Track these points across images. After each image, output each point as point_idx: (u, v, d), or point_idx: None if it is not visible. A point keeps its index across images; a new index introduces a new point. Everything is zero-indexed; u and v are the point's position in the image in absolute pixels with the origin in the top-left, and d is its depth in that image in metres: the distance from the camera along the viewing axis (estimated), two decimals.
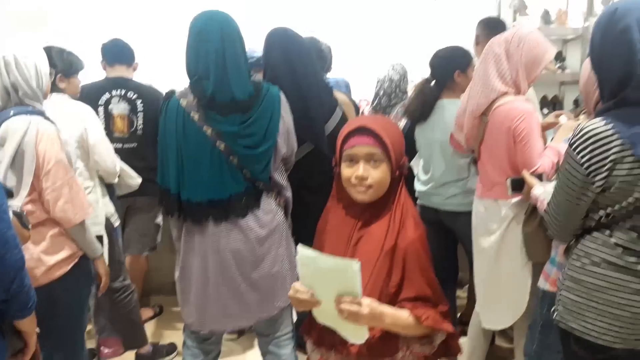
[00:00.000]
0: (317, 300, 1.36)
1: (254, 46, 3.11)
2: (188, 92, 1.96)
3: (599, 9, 4.52)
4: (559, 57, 4.60)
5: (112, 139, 2.99)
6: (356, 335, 1.37)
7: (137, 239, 3.28)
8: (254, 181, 2.02)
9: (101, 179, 2.72)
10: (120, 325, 2.97)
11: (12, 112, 1.92)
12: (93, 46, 3.33)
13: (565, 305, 1.60)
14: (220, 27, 1.94)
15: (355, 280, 1.25)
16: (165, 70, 3.84)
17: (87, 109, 2.64)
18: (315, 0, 4.72)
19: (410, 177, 2.90)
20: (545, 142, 2.43)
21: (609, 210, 1.51)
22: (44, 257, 1.95)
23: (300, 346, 2.27)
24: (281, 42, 2.44)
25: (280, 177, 2.13)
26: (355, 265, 1.23)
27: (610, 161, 1.43)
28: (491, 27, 3.15)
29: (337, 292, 1.29)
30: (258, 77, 2.08)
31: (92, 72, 3.16)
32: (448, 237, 2.88)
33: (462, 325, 3.14)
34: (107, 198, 2.76)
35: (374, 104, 3.35)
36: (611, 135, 1.43)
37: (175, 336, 3.30)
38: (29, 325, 1.61)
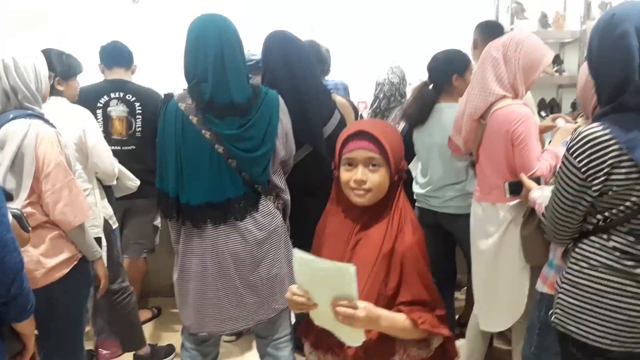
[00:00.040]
0: (313, 303, 1.36)
1: (253, 49, 3.12)
2: (186, 95, 1.97)
3: (596, 12, 4.55)
4: (557, 60, 4.62)
5: (111, 142, 2.99)
6: (353, 338, 1.38)
7: (135, 241, 3.29)
8: (253, 184, 2.02)
9: (99, 181, 2.72)
10: (119, 327, 2.97)
11: (11, 116, 1.92)
12: (93, 46, 3.33)
13: (563, 308, 1.61)
14: (218, 31, 1.95)
15: (351, 283, 1.26)
16: (164, 71, 3.84)
17: (85, 111, 2.64)
18: (313, 2, 4.72)
19: (408, 180, 2.91)
20: (543, 145, 2.44)
21: (606, 214, 1.51)
22: (43, 260, 1.96)
23: (298, 348, 2.27)
24: (280, 45, 2.45)
25: (279, 180, 2.14)
26: (350, 268, 1.23)
27: (608, 165, 1.44)
28: (489, 31, 3.16)
29: (334, 295, 1.30)
30: (257, 80, 2.08)
31: (92, 72, 3.16)
32: (446, 239, 2.89)
33: (460, 327, 3.16)
34: (106, 200, 2.76)
35: (374, 107, 3.36)
36: (609, 140, 1.43)
37: (173, 338, 3.30)
38: (28, 328, 1.61)
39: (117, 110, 3.10)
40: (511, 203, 2.27)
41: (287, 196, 2.18)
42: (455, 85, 2.73)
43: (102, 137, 2.68)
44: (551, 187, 1.70)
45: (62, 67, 2.63)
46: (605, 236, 1.53)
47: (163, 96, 2.11)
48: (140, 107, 3.12)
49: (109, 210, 2.77)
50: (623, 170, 1.43)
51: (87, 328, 2.72)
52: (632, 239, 1.48)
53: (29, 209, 1.91)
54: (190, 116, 1.93)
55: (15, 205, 1.82)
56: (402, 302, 1.42)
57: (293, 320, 2.36)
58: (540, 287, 2.05)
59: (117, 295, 2.83)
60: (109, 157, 2.67)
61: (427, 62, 2.86)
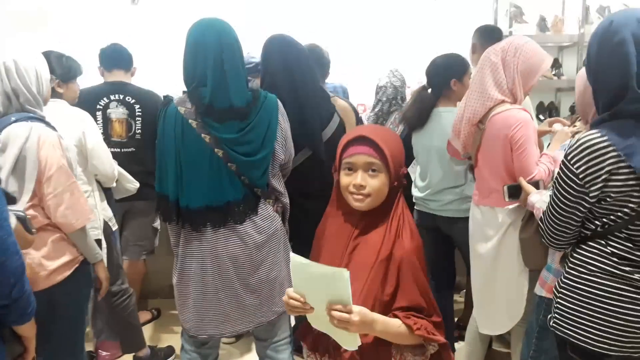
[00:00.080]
0: (310, 307, 1.37)
1: (253, 51, 3.14)
2: (186, 99, 1.98)
3: (594, 16, 4.57)
4: (555, 64, 4.63)
5: (110, 144, 3.01)
6: (348, 342, 1.39)
7: (134, 243, 3.29)
8: (252, 187, 2.03)
9: (99, 183, 2.73)
10: (118, 329, 2.97)
11: (13, 119, 1.92)
12: (92, 47, 3.34)
13: (561, 313, 1.62)
14: (217, 35, 1.95)
15: (345, 288, 1.27)
16: (164, 73, 3.84)
17: (84, 113, 2.65)
18: (313, 5, 4.73)
19: (407, 183, 2.92)
20: (541, 149, 2.45)
21: (604, 220, 1.52)
22: (45, 262, 1.96)
23: (298, 350, 2.29)
24: (280, 49, 2.46)
25: (278, 184, 2.14)
26: (345, 273, 1.24)
27: (606, 172, 1.45)
28: (487, 35, 3.18)
29: (329, 300, 1.31)
30: (256, 82, 2.09)
31: (92, 72, 3.16)
32: (445, 242, 2.90)
33: (459, 329, 3.16)
34: (105, 202, 2.77)
35: (376, 110, 3.36)
36: (607, 146, 1.45)
37: (173, 339, 3.31)
38: (29, 331, 1.62)
39: (117, 112, 3.10)
40: (510, 206, 2.28)
41: (286, 199, 2.19)
42: (453, 89, 2.74)
43: (102, 139, 2.69)
44: (549, 192, 1.71)
45: (62, 70, 2.63)
46: (603, 242, 1.54)
47: (162, 98, 2.12)
48: (139, 109, 3.12)
49: (109, 212, 2.77)
50: (621, 177, 1.45)
51: (87, 329, 2.72)
52: (630, 244, 1.50)
53: (30, 212, 1.92)
54: (189, 120, 1.94)
55: (17, 208, 1.82)
56: (399, 307, 1.43)
57: (293, 322, 2.37)
58: (539, 290, 2.06)
59: (117, 297, 2.83)
60: (108, 159, 2.67)
61: (426, 65, 2.87)
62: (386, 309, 1.43)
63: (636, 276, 1.49)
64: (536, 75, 2.27)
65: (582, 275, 1.57)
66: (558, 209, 1.59)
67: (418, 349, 1.46)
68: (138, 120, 3.13)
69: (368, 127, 1.76)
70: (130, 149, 3.13)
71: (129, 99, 3.12)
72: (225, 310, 2.07)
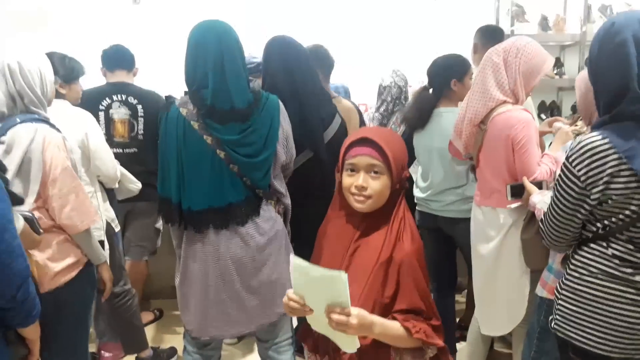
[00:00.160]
0: (309, 309, 1.38)
1: (254, 52, 3.14)
2: (187, 101, 1.98)
3: (596, 15, 4.57)
4: (557, 63, 4.63)
5: (113, 144, 3.01)
6: (347, 345, 1.39)
7: (137, 244, 3.30)
8: (254, 189, 2.03)
9: (101, 184, 2.73)
10: (121, 330, 2.98)
11: (18, 120, 1.93)
12: (93, 47, 3.34)
13: (563, 315, 1.63)
14: (218, 37, 1.95)
15: (344, 291, 1.27)
16: (165, 72, 3.85)
17: (87, 114, 2.66)
18: (314, 6, 4.73)
19: (408, 184, 2.92)
20: (543, 149, 2.46)
21: (606, 222, 1.53)
22: (49, 264, 1.96)
23: (299, 351, 2.29)
24: (280, 50, 2.46)
25: (280, 185, 2.15)
26: (343, 276, 1.24)
27: (607, 175, 1.46)
28: (489, 35, 3.18)
29: (328, 302, 1.31)
30: (257, 82, 2.09)
31: (92, 72, 3.16)
32: (447, 242, 2.90)
33: (461, 330, 3.17)
34: (108, 203, 2.77)
35: (381, 110, 3.36)
36: (608, 149, 1.45)
37: (175, 340, 3.31)
38: (33, 333, 1.63)
39: (119, 112, 3.11)
40: (512, 205, 2.28)
41: (288, 200, 2.19)
42: (454, 90, 2.74)
43: (104, 140, 2.69)
44: (551, 193, 1.72)
45: (64, 71, 2.64)
46: (604, 244, 1.55)
47: (164, 98, 2.12)
48: (142, 110, 3.13)
49: (111, 214, 2.78)
50: (622, 180, 1.45)
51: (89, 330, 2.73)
52: (631, 246, 1.50)
53: (35, 214, 1.92)
54: (191, 122, 1.94)
55: (23, 209, 1.82)
56: (398, 310, 1.43)
57: (295, 323, 2.37)
58: (540, 291, 2.07)
59: (119, 298, 2.84)
60: (111, 160, 2.68)
61: (427, 65, 2.87)
62: (386, 311, 1.44)
63: (637, 278, 1.50)
64: (538, 75, 2.27)
65: (583, 277, 1.58)
66: (559, 211, 1.59)
67: (417, 352, 1.46)
68: (140, 120, 3.13)
69: (372, 129, 1.76)
70: (132, 150, 3.14)
71: (131, 99, 3.12)
72: (227, 312, 2.07)
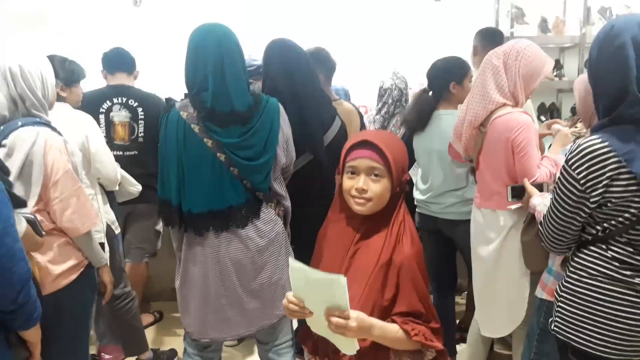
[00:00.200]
0: (308, 311, 1.38)
1: (254, 54, 3.15)
2: (188, 104, 1.98)
3: (595, 17, 4.58)
4: (557, 65, 4.65)
5: (113, 147, 3.02)
6: (347, 347, 1.39)
7: (137, 246, 3.30)
8: (255, 192, 2.04)
9: (102, 186, 2.74)
10: (121, 332, 2.98)
11: (20, 123, 1.93)
12: (93, 47, 3.35)
13: (562, 317, 1.63)
14: (218, 41, 1.96)
15: (343, 294, 1.27)
16: (165, 74, 3.86)
17: (87, 117, 2.66)
18: (314, 8, 4.73)
19: (408, 186, 2.93)
20: (542, 151, 2.46)
21: (605, 225, 1.54)
22: (50, 267, 1.96)
23: (299, 353, 2.29)
24: (280, 52, 2.47)
25: (280, 187, 2.15)
26: (342, 280, 1.24)
27: (607, 178, 1.46)
28: (489, 37, 3.19)
29: (327, 305, 1.32)
30: (257, 85, 2.10)
31: (92, 73, 3.16)
32: (447, 244, 2.90)
33: (461, 331, 3.17)
34: (108, 206, 2.78)
35: (382, 112, 3.36)
36: (607, 152, 1.46)
37: (175, 342, 3.31)
38: (34, 336, 1.63)
39: (120, 115, 3.12)
40: (513, 207, 2.29)
41: (288, 203, 2.20)
42: (453, 92, 2.75)
43: (105, 143, 2.70)
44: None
45: (65, 74, 2.64)
46: (604, 246, 1.55)
47: (164, 100, 2.12)
48: (142, 113, 3.13)
49: (112, 216, 2.78)
50: (622, 183, 1.46)
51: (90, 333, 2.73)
52: (630, 249, 1.51)
53: (36, 216, 1.93)
54: (192, 125, 1.95)
55: (25, 212, 1.83)
56: (397, 312, 1.44)
57: (295, 325, 2.37)
58: (540, 293, 2.07)
59: (120, 300, 2.84)
60: (111, 163, 2.68)
61: (427, 67, 2.88)
62: (385, 314, 1.44)
63: (637, 280, 1.50)
64: (537, 78, 2.28)
65: (583, 279, 1.58)
66: (558, 214, 1.60)
67: (416, 355, 1.46)
68: (141, 123, 3.14)
69: (373, 132, 1.77)
70: (132, 152, 3.15)
71: (131, 102, 3.13)
72: (227, 314, 2.07)
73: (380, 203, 1.48)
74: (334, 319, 1.30)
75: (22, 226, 1.63)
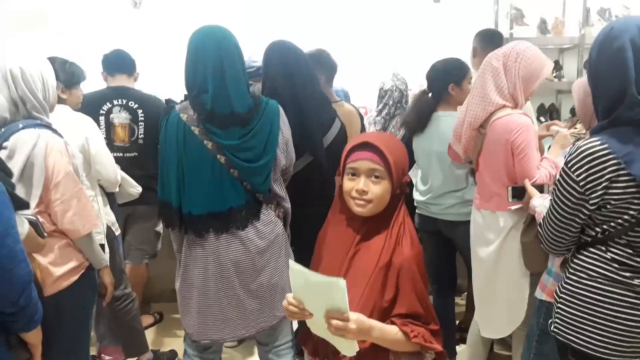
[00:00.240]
0: (308, 313, 1.39)
1: (254, 56, 3.15)
2: (188, 106, 1.99)
3: (595, 18, 4.59)
4: (556, 65, 4.65)
5: (113, 148, 3.02)
6: (347, 348, 1.40)
7: (137, 247, 3.30)
8: (255, 193, 2.04)
9: (102, 188, 2.74)
10: (121, 333, 2.98)
11: (20, 125, 1.94)
12: (93, 47, 3.36)
13: (562, 318, 1.64)
14: (218, 43, 1.97)
15: (342, 297, 1.28)
16: (164, 75, 3.86)
17: (87, 119, 2.67)
18: (314, 9, 4.74)
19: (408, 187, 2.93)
20: (542, 152, 2.47)
21: (604, 226, 1.54)
22: (51, 268, 1.96)
23: (300, 354, 2.30)
24: (280, 54, 2.47)
25: (280, 189, 2.16)
26: (341, 282, 1.25)
27: (606, 180, 1.47)
28: (488, 39, 3.20)
29: (326, 307, 1.32)
30: (257, 86, 2.10)
31: (92, 74, 3.16)
32: (447, 245, 2.91)
33: (461, 332, 3.18)
34: (108, 207, 2.78)
35: (383, 114, 3.36)
36: (607, 154, 1.46)
37: (175, 343, 3.31)
38: (35, 338, 1.63)
39: (120, 117, 3.12)
40: (513, 207, 2.29)
41: (287, 204, 2.20)
42: (452, 94, 2.75)
43: (105, 144, 2.70)
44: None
45: (65, 76, 2.64)
46: (603, 248, 1.56)
47: (164, 101, 2.13)
48: (142, 114, 3.14)
49: (112, 217, 2.78)
50: (621, 185, 1.46)
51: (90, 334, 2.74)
52: (630, 251, 1.51)
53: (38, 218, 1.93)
54: (192, 127, 1.95)
55: (26, 213, 1.83)
56: (397, 314, 1.44)
57: (295, 326, 2.38)
58: (539, 294, 2.07)
59: (120, 301, 2.84)
60: (111, 164, 2.69)
61: (427, 68, 2.88)
62: (385, 315, 1.45)
63: (636, 282, 1.51)
64: (537, 80, 2.28)
65: (583, 281, 1.59)
66: (558, 216, 1.60)
67: (415, 356, 1.47)
68: (141, 125, 3.14)
69: (374, 134, 1.78)
70: (132, 154, 3.15)
71: (131, 104, 3.13)
72: (227, 315, 2.08)
73: (380, 205, 1.49)
74: (334, 322, 1.30)
75: (24, 228, 1.64)
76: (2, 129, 1.96)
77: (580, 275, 1.60)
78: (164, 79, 3.92)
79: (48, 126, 2.01)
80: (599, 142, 1.48)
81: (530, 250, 2.21)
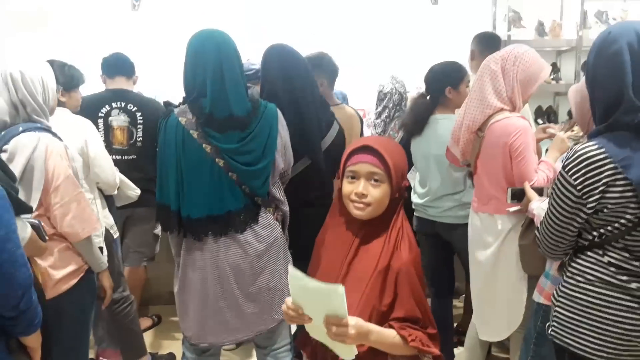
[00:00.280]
0: (307, 317, 1.39)
1: (253, 58, 3.16)
2: (186, 110, 1.99)
3: (592, 20, 4.61)
4: (554, 68, 4.66)
5: (112, 151, 3.02)
6: (345, 352, 1.40)
7: (135, 250, 3.30)
8: (253, 197, 2.05)
9: (100, 190, 2.74)
10: (119, 336, 2.98)
11: (21, 129, 1.94)
12: (92, 49, 3.35)
13: (560, 321, 1.64)
14: (217, 46, 1.97)
15: (341, 303, 1.28)
16: (163, 76, 3.87)
17: (86, 122, 2.67)
18: (312, 12, 4.75)
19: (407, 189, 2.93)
20: (540, 155, 2.47)
21: (602, 230, 1.55)
22: (51, 272, 1.96)
23: (298, 357, 2.30)
24: (279, 57, 2.48)
25: (278, 192, 2.16)
26: (339, 289, 1.25)
27: (603, 184, 1.47)
28: (486, 42, 3.21)
29: (325, 313, 1.32)
30: (256, 89, 2.11)
31: (91, 75, 3.16)
32: (445, 248, 2.91)
33: (459, 335, 3.18)
34: (107, 210, 2.78)
35: (384, 117, 3.37)
36: (604, 158, 1.47)
37: (173, 346, 3.31)
38: (35, 341, 1.63)
39: (119, 120, 3.12)
40: (511, 209, 2.29)
41: (286, 207, 2.20)
42: (449, 97, 2.76)
43: (104, 147, 2.70)
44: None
45: (64, 79, 2.65)
46: (600, 252, 1.56)
47: (163, 104, 2.13)
48: (141, 117, 3.14)
49: (110, 220, 2.78)
50: (618, 189, 1.47)
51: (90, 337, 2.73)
52: (626, 254, 1.52)
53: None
54: (190, 131, 1.96)
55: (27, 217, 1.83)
56: (395, 318, 1.45)
57: (294, 329, 2.38)
58: (537, 297, 2.08)
59: (118, 304, 2.84)
60: (110, 167, 2.69)
61: (424, 70, 2.89)
62: (383, 319, 1.45)
63: (633, 285, 1.51)
64: (535, 84, 2.29)
65: (580, 284, 1.60)
66: (555, 220, 1.61)
67: (413, 359, 1.48)
68: (139, 128, 3.14)
69: (374, 137, 1.79)
70: (131, 157, 3.15)
71: (130, 106, 3.13)
72: (225, 319, 2.08)
73: (379, 208, 1.49)
74: (333, 328, 1.31)
75: (27, 232, 1.64)
76: (2, 132, 1.96)
77: (577, 279, 1.61)
78: (163, 81, 3.93)
79: (48, 129, 2.02)
80: (596, 147, 1.49)
81: (528, 253, 2.22)
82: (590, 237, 1.58)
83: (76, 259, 2.07)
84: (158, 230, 3.34)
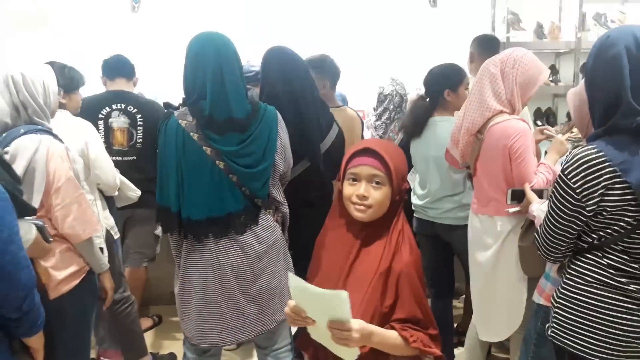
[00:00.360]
0: (311, 320, 1.40)
1: (252, 60, 3.17)
2: (186, 112, 2.00)
3: (591, 23, 4.62)
4: (552, 70, 4.67)
5: (112, 152, 3.02)
6: (347, 354, 1.41)
7: (136, 250, 3.30)
8: (253, 198, 2.05)
9: (101, 192, 2.75)
10: (120, 337, 2.98)
11: (22, 131, 1.94)
12: (92, 50, 3.36)
13: (559, 323, 1.65)
14: (217, 49, 1.98)
15: (344, 308, 1.29)
16: (164, 78, 3.87)
17: (87, 124, 2.67)
18: (312, 13, 4.75)
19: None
20: (539, 157, 2.49)
21: (601, 233, 1.56)
22: (53, 273, 1.97)
23: (299, 357, 2.31)
24: (279, 60, 2.49)
25: (278, 194, 2.17)
26: (343, 295, 1.26)
27: (602, 187, 1.49)
28: (485, 44, 3.21)
29: (328, 317, 1.33)
30: (256, 91, 2.11)
31: (91, 75, 3.16)
32: (444, 249, 2.92)
33: (459, 335, 3.19)
34: (107, 211, 2.78)
35: (384, 119, 3.38)
36: (603, 162, 1.48)
37: (174, 346, 3.32)
38: (37, 342, 1.64)
39: (119, 121, 3.13)
40: (511, 210, 2.30)
41: (286, 209, 2.21)
42: (448, 99, 2.76)
43: (104, 149, 2.71)
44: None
45: (64, 81, 2.65)
46: (599, 254, 1.57)
47: (163, 105, 2.13)
48: (141, 119, 3.15)
49: (111, 221, 2.79)
50: (617, 192, 1.48)
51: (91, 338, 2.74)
52: (625, 257, 1.53)
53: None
54: (190, 133, 1.96)
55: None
56: (396, 319, 1.46)
57: (294, 329, 2.39)
58: (537, 298, 2.09)
59: (119, 305, 2.84)
60: (110, 169, 2.69)
61: (423, 72, 2.89)
62: (385, 320, 1.47)
63: (632, 287, 1.52)
64: (534, 86, 2.30)
65: (579, 286, 1.61)
66: (555, 222, 1.62)
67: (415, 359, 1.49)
68: (139, 129, 3.15)
69: (375, 140, 1.80)
70: (131, 158, 3.16)
71: (130, 108, 3.14)
72: (226, 319, 2.09)
73: (380, 210, 1.50)
74: (337, 333, 1.32)
75: (32, 234, 1.65)
76: (4, 134, 1.97)
77: (577, 281, 1.62)
78: (163, 83, 3.93)
79: (49, 131, 2.02)
80: (595, 150, 1.50)
81: (528, 254, 2.23)
82: (590, 240, 1.59)
83: (77, 260, 2.07)
84: (158, 230, 3.34)
